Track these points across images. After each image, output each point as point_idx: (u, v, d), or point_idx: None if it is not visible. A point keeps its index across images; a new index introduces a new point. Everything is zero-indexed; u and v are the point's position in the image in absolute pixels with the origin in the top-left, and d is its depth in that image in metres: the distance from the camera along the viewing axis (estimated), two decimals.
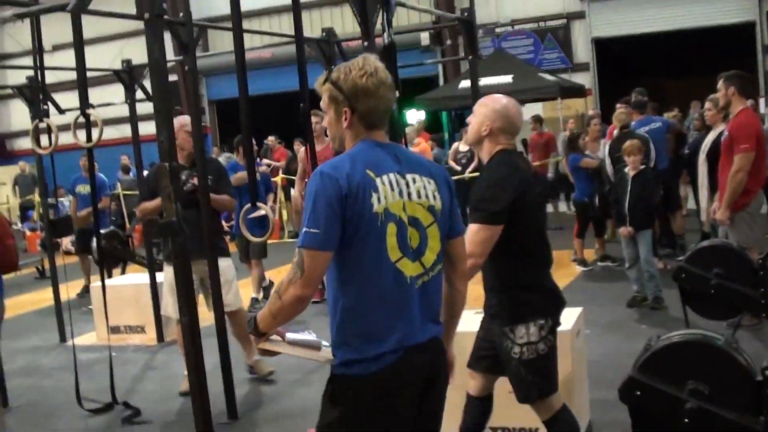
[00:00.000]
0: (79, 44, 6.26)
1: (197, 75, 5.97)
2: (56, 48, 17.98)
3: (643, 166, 8.22)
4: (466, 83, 17.35)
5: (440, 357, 3.06)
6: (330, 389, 2.94)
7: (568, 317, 5.21)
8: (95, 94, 9.70)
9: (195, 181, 6.20)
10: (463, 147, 14.93)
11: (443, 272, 3.06)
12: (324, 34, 7.67)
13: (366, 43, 5.59)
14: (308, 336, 3.09)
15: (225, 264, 6.54)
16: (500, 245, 3.85)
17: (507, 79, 16.47)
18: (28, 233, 15.64)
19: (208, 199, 6.05)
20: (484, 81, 16.74)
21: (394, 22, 12.66)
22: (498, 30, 19.40)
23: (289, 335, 3.05)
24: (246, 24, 18.20)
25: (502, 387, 4.99)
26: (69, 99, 8.64)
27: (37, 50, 6.32)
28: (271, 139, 18.10)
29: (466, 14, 7.42)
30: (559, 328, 4.95)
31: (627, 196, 8.13)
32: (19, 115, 22.51)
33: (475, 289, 7.23)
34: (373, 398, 2.86)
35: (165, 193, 3.77)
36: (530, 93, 16.36)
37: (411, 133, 15.03)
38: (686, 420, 3.56)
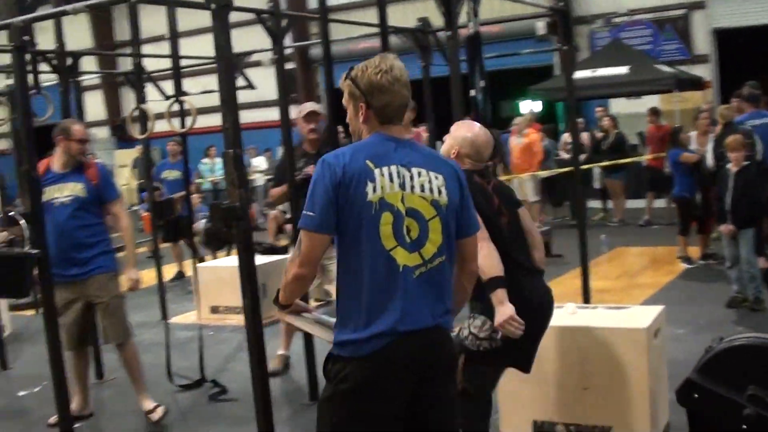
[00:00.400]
0: (172, 33, 6.49)
1: (283, 64, 6.05)
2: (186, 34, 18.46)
3: (747, 162, 7.93)
4: (581, 73, 17.05)
5: (440, 346, 3.11)
6: (326, 368, 3.09)
7: (646, 315, 5.12)
8: (202, 82, 10.01)
9: (310, 170, 6.23)
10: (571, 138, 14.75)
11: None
12: (420, 24, 7.67)
13: (449, 33, 5.59)
14: (330, 318, 3.20)
15: None
16: None
17: (623, 70, 16.13)
18: (143, 214, 16.14)
19: None
20: (600, 72, 16.58)
21: (509, 10, 12.71)
22: (616, 20, 18.98)
23: (313, 314, 3.24)
24: (360, 13, 18.46)
25: (577, 383, 4.97)
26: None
27: (135, 39, 6.55)
28: None
29: (561, 4, 7.26)
30: (633, 326, 4.89)
31: (729, 193, 7.87)
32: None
33: (574, 283, 7.16)
34: (362, 379, 2.97)
35: (229, 179, 3.87)
36: (646, 84, 15.97)
37: (521, 123, 14.90)
38: (744, 426, 3.46)
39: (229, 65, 3.95)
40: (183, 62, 6.95)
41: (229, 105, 3.91)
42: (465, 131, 4.24)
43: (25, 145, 4.66)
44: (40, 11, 4.97)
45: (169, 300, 9.51)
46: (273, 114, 5.84)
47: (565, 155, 14.27)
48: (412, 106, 6.40)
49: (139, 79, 7.01)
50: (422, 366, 3.03)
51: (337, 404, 3.03)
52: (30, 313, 9.50)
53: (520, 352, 4.18)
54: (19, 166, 4.73)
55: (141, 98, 6.83)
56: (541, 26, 19.31)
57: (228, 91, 3.92)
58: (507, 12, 15.85)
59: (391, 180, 2.99)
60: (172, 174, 11.57)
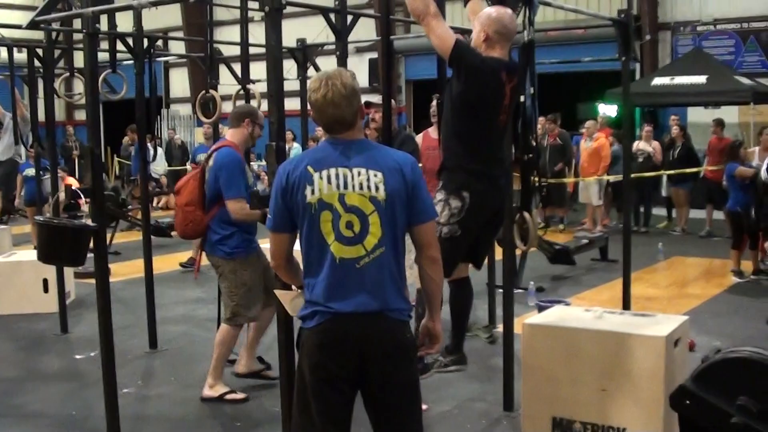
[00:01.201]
0: (244, 21, 6.82)
1: (346, 60, 6.31)
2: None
3: None
4: (659, 80, 17.07)
5: (382, 330, 3.43)
6: (297, 338, 3.64)
7: (668, 324, 5.28)
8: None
9: None
10: (643, 145, 14.77)
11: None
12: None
13: None
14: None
15: None
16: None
17: (701, 79, 16.08)
18: None
19: None
20: (678, 80, 16.54)
21: (594, 12, 12.83)
22: (699, 28, 18.82)
23: (297, 294, 3.73)
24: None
25: (596, 384, 5.16)
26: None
27: (209, 24, 6.92)
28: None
29: (623, 15, 7.38)
30: (653, 333, 5.07)
31: None
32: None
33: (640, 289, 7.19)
34: (312, 348, 3.43)
35: (270, 170, 4.15)
36: (723, 95, 15.89)
37: (591, 127, 14.98)
38: None
39: (277, 63, 4.21)
40: (253, 50, 7.23)
41: (276, 101, 4.19)
42: (490, 11, 4.83)
43: (91, 126, 5.03)
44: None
45: None
46: None
47: (641, 158, 14.35)
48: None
49: (211, 62, 7.33)
50: (362, 345, 3.39)
51: (300, 369, 3.54)
52: (92, 281, 9.99)
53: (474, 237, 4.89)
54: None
55: (212, 83, 7.15)
56: None
57: (276, 87, 4.19)
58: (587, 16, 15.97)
59: (329, 182, 3.40)
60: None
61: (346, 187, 3.38)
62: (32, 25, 5.11)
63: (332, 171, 3.40)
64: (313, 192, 3.38)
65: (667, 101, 17.06)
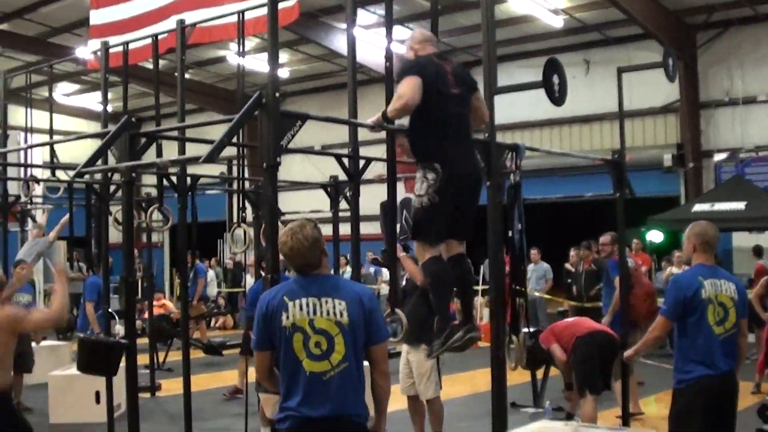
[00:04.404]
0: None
1: (358, 198, 7.11)
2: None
3: None
4: (700, 206, 17.59)
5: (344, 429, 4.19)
6: None
7: None
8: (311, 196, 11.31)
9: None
10: (675, 270, 15.21)
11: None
12: None
13: (488, 183, 6.46)
14: None
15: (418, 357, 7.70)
16: None
17: (740, 206, 16.62)
18: None
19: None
20: (717, 206, 17.06)
21: (639, 141, 13.63)
22: (742, 156, 19.38)
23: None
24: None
25: None
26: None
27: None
28: None
29: (616, 156, 8.13)
30: None
31: None
32: None
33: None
34: None
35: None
36: (761, 221, 16.37)
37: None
38: None
39: (273, 209, 5.03)
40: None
41: (271, 241, 4.97)
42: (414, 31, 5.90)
43: (125, 257, 5.92)
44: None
45: None
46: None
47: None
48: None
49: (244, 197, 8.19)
50: None
51: None
52: (145, 395, 10.85)
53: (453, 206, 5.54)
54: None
55: (242, 216, 8.03)
56: (667, 158, 19.95)
57: (270, 231, 5.01)
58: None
59: (301, 309, 4.18)
60: None
61: (315, 313, 4.19)
62: (78, 175, 6.09)
63: (303, 300, 4.21)
64: (287, 317, 4.16)
65: None
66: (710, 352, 5.64)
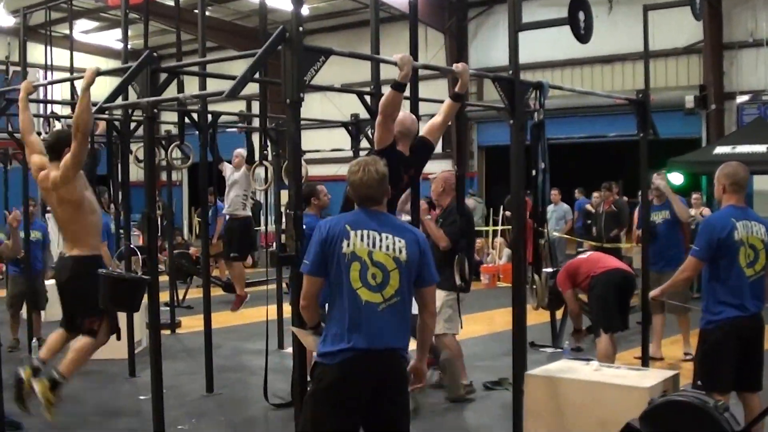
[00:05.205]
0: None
1: None
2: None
3: None
4: (721, 149, 17.43)
5: (392, 365, 4.27)
6: (312, 371, 4.32)
7: (653, 378, 5.85)
8: (332, 135, 11.31)
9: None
10: (694, 211, 15.12)
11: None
12: None
13: (511, 121, 6.40)
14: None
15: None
16: None
17: (762, 148, 16.43)
18: None
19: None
20: (739, 149, 16.88)
21: (662, 82, 13.40)
22: (765, 98, 19.13)
23: (313, 333, 4.50)
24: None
25: (588, 428, 5.72)
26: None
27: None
28: None
29: (641, 95, 8.04)
30: (637, 385, 5.65)
31: None
32: None
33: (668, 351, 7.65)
34: (332, 381, 4.18)
35: (289, 234, 4.91)
36: None
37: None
38: None
39: (296, 147, 4.99)
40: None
41: (295, 176, 4.97)
42: (400, 115, 5.64)
43: (148, 194, 5.92)
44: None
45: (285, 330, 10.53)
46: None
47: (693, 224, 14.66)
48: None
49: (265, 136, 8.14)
50: (376, 378, 4.21)
51: (315, 398, 4.25)
52: (166, 332, 10.96)
53: None
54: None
55: (264, 154, 7.98)
56: (689, 99, 19.73)
57: (293, 164, 4.99)
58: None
59: (362, 240, 4.24)
60: None
61: (374, 246, 4.25)
62: (99, 111, 6.07)
63: (365, 232, 4.27)
64: (348, 245, 4.22)
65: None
66: (740, 294, 5.69)
